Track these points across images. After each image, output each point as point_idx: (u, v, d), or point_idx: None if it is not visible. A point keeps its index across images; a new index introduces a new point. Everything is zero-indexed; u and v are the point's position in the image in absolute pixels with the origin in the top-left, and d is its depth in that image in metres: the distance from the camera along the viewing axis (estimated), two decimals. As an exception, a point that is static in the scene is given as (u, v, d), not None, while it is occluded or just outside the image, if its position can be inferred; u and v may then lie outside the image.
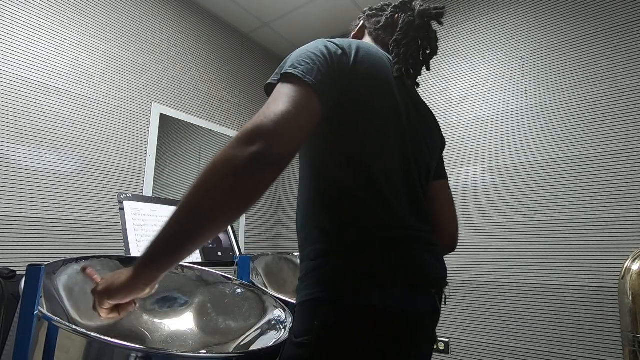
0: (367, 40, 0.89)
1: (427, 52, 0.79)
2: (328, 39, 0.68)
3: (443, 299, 0.70)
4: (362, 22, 0.93)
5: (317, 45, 0.65)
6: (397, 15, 0.85)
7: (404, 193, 0.67)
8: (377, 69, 0.69)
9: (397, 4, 0.87)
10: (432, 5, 0.79)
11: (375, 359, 0.57)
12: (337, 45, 0.66)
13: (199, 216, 0.51)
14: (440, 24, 0.79)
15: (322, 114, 0.59)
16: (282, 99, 0.55)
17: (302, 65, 0.60)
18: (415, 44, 0.77)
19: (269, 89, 0.63)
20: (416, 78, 0.78)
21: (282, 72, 0.60)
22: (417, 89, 0.85)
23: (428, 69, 0.81)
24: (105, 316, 0.60)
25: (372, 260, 0.60)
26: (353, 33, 0.93)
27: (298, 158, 0.72)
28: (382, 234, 0.62)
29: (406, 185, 0.68)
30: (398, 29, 0.79)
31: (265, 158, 0.50)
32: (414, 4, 0.81)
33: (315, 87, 0.58)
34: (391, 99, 0.69)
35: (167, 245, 0.53)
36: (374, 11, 0.92)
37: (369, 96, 0.66)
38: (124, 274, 0.57)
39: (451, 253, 0.84)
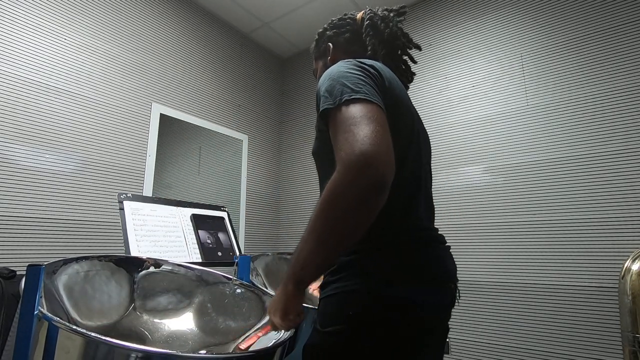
0: (345, 58, 0.89)
1: (409, 50, 0.88)
2: (357, 60, 0.70)
3: (458, 293, 0.76)
4: (330, 45, 0.92)
5: (352, 68, 0.66)
6: (366, 27, 0.87)
7: (422, 198, 0.73)
8: (398, 88, 0.73)
9: (363, 15, 0.90)
10: (393, 9, 0.89)
11: (404, 345, 0.61)
12: (368, 65, 0.69)
13: (330, 245, 0.57)
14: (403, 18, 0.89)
15: None
16: (363, 120, 0.56)
17: (360, 88, 0.61)
18: (398, 53, 0.87)
19: (326, 114, 0.63)
20: (409, 81, 0.90)
21: (349, 97, 0.60)
22: (416, 88, 0.91)
23: (414, 62, 0.90)
24: (297, 323, 0.67)
25: (402, 258, 0.65)
26: (329, 58, 0.91)
27: (314, 161, 0.79)
28: (409, 234, 0.68)
29: (422, 190, 0.74)
30: (380, 42, 0.85)
31: (381, 183, 0.53)
32: (378, 11, 0.88)
33: (382, 106, 0.61)
34: (410, 113, 0.75)
35: (310, 264, 0.60)
36: (334, 30, 0.93)
37: (398, 111, 0.70)
38: (284, 294, 0.63)
39: (452, 253, 0.87)
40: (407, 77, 0.88)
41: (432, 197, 0.81)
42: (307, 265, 0.60)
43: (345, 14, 0.94)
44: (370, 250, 0.65)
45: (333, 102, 0.61)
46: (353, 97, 0.59)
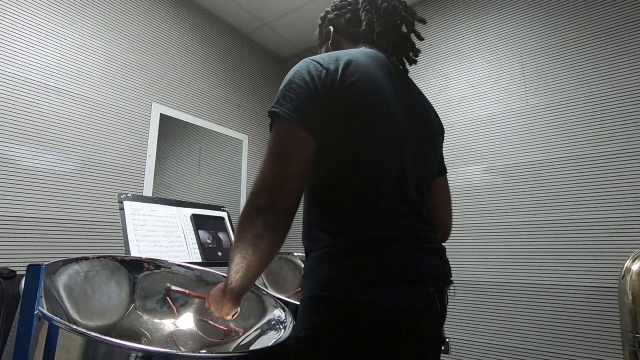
0: (347, 43, 0.87)
1: (412, 26, 0.82)
2: (314, 58, 0.69)
3: (446, 298, 0.70)
4: (331, 28, 0.89)
5: (301, 72, 0.67)
6: (362, 2, 0.83)
7: (400, 196, 0.68)
8: (368, 79, 0.69)
9: None
10: None
11: (372, 352, 0.58)
12: (321, 65, 0.68)
13: (250, 265, 0.66)
14: None
15: (315, 142, 0.65)
16: (275, 154, 0.64)
17: (287, 102, 0.65)
18: (398, 28, 0.80)
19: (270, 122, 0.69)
20: (413, 60, 0.83)
21: (270, 109, 0.66)
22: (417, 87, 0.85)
23: (420, 38, 0.85)
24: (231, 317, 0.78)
25: (367, 259, 0.62)
26: (330, 41, 0.89)
27: None
28: (377, 234, 0.64)
29: (402, 187, 0.69)
30: (377, 20, 0.80)
31: (275, 222, 0.62)
32: None
33: (303, 123, 0.63)
34: (385, 106, 0.70)
35: (241, 277, 0.68)
36: (335, 12, 0.90)
37: (362, 108, 0.67)
38: (220, 298, 0.73)
39: (452, 253, 0.84)
40: (409, 55, 0.81)
41: (424, 195, 0.75)
42: (236, 279, 0.68)
43: None
44: (334, 252, 0.64)
45: (270, 115, 0.67)
46: (274, 109, 0.65)
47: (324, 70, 0.67)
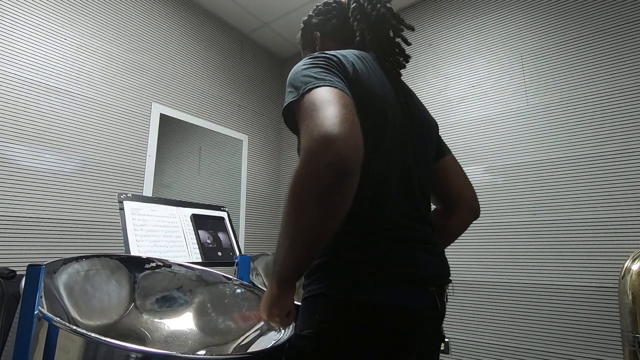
0: (333, 47, 0.87)
1: (399, 32, 0.81)
2: (323, 52, 0.69)
3: (445, 297, 0.71)
4: (317, 34, 0.89)
5: (317, 58, 0.65)
6: (352, 11, 0.83)
7: (402, 195, 0.69)
8: (371, 81, 0.69)
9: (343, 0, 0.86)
10: None
11: (374, 352, 0.59)
12: (330, 54, 0.67)
13: (302, 240, 0.55)
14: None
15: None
16: (324, 104, 0.54)
17: (324, 77, 0.59)
18: (389, 35, 0.80)
19: (290, 110, 0.61)
20: (403, 65, 0.82)
21: (313, 86, 0.58)
22: (416, 88, 0.86)
23: (408, 43, 0.82)
24: (286, 324, 0.69)
25: (367, 260, 0.62)
26: (317, 46, 0.89)
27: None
28: (380, 234, 0.64)
29: (404, 188, 0.70)
30: (367, 27, 0.80)
31: (341, 169, 0.50)
32: None
33: (347, 91, 0.59)
34: (384, 106, 0.70)
35: (288, 261, 0.59)
36: (320, 17, 0.90)
37: (368, 105, 0.67)
38: (269, 294, 0.65)
39: (451, 253, 0.85)
40: (400, 61, 0.81)
41: (425, 194, 0.76)
42: (285, 264, 0.59)
43: (330, 2, 0.90)
44: (337, 252, 0.64)
45: (297, 95, 0.59)
46: (317, 84, 0.57)
47: (333, 57, 0.66)
